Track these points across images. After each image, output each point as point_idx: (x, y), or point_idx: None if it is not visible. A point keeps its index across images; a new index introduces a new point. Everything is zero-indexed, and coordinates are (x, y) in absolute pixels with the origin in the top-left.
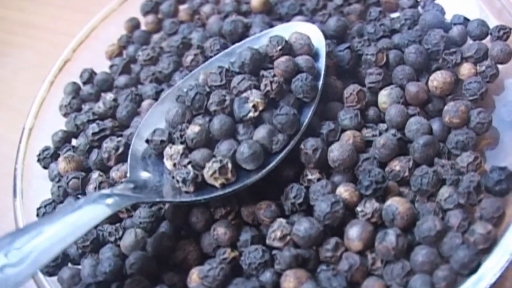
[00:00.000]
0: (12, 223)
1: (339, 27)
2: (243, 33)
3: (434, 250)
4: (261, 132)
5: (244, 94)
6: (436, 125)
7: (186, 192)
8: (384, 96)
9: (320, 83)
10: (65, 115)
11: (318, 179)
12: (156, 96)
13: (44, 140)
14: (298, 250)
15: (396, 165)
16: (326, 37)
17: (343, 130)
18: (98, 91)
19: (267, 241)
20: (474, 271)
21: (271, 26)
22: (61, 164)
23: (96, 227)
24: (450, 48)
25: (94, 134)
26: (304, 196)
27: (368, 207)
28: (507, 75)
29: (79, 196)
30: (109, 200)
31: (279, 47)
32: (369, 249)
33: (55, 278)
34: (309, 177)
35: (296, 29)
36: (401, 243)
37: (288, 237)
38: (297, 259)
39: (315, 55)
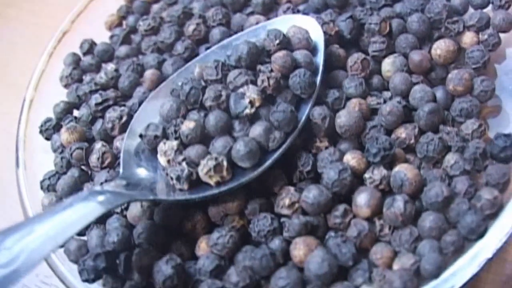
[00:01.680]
0: (14, 196)
1: None
2: (245, 2)
3: (442, 216)
4: (257, 129)
5: (241, 90)
6: (439, 93)
7: (180, 190)
8: (388, 65)
9: (318, 78)
10: (65, 86)
11: (326, 147)
12: (158, 66)
13: (45, 111)
14: (307, 217)
15: (402, 133)
16: (328, 6)
17: (347, 98)
18: (98, 61)
19: (276, 209)
20: (481, 236)
21: None
22: (64, 135)
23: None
24: (452, 16)
25: (97, 104)
26: (312, 164)
27: (376, 174)
28: (508, 44)
29: (83, 166)
30: (101, 198)
31: (277, 41)
32: (377, 216)
33: (61, 250)
34: (318, 144)
35: (295, 22)
36: (409, 209)
37: (297, 205)
38: (306, 226)
39: (313, 50)
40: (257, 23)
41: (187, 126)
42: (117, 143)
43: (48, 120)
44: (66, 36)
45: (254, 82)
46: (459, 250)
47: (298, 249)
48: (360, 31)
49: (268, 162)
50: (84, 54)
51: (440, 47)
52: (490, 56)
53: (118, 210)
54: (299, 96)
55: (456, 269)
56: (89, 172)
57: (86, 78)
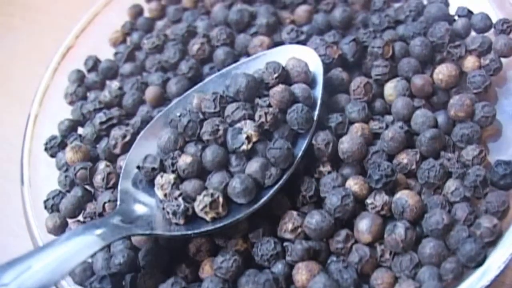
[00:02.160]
0: (17, 207)
1: (345, 18)
2: (249, 22)
3: (442, 243)
4: (253, 166)
5: (238, 125)
6: (441, 118)
7: (176, 224)
8: (391, 89)
9: (316, 113)
10: (70, 103)
11: (329, 172)
12: (162, 85)
13: (49, 127)
14: (309, 242)
15: (404, 158)
16: (331, 27)
17: (350, 123)
18: (103, 79)
19: (279, 233)
20: (480, 263)
21: (276, 14)
22: (68, 154)
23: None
24: (455, 40)
25: (101, 123)
26: (315, 189)
27: (378, 200)
28: (509, 67)
29: (87, 186)
30: (98, 231)
31: (276, 75)
32: (378, 241)
33: None
34: (321, 169)
35: (294, 53)
36: (410, 236)
37: (300, 229)
38: (308, 251)
39: (312, 82)
40: (261, 44)
41: (184, 161)
42: (120, 162)
43: (53, 138)
44: (70, 52)
45: (251, 117)
46: (458, 277)
47: (301, 274)
48: (363, 54)
49: (264, 199)
50: (89, 71)
51: (442, 72)
52: (491, 81)
53: None
54: (296, 131)
55: None
56: (92, 191)
57: (91, 95)
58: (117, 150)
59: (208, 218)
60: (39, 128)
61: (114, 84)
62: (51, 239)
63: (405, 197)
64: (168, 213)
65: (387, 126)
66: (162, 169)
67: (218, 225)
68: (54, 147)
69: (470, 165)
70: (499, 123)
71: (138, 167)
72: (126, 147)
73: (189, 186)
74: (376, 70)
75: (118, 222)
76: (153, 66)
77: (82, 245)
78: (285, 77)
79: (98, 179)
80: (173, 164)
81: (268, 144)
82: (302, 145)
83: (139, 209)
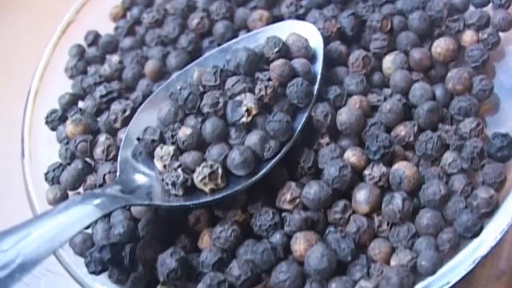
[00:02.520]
0: (19, 186)
1: None
2: None
3: (439, 214)
4: (253, 138)
5: (238, 98)
6: (439, 91)
7: (175, 195)
8: (389, 62)
9: (316, 87)
10: (70, 77)
11: (327, 144)
12: (162, 59)
13: (49, 102)
14: (308, 212)
15: (402, 130)
16: (330, 1)
17: (349, 95)
18: (103, 53)
19: (277, 204)
20: (477, 234)
21: None
22: (69, 128)
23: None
24: (453, 15)
25: (102, 96)
26: (313, 160)
27: (376, 171)
28: (508, 42)
29: (87, 159)
30: (97, 201)
31: (276, 49)
32: (376, 212)
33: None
34: (320, 140)
35: (295, 29)
36: (407, 207)
37: (298, 200)
38: (306, 221)
39: (312, 57)
40: (260, 18)
41: (184, 132)
42: (121, 135)
43: (54, 111)
44: (70, 27)
45: (251, 90)
46: (455, 247)
47: (299, 243)
48: (362, 27)
49: (263, 171)
50: (89, 45)
51: (441, 46)
52: (489, 55)
53: None
54: (296, 105)
55: (452, 265)
56: (93, 164)
57: (91, 69)
58: (117, 125)
59: (207, 189)
60: (40, 103)
61: (114, 58)
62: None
63: (402, 168)
64: (167, 184)
65: (385, 99)
66: (162, 141)
67: (216, 197)
68: (55, 121)
69: (467, 138)
70: (497, 97)
71: (138, 139)
72: (126, 122)
73: (188, 157)
74: (375, 44)
75: (117, 192)
76: (153, 41)
77: (81, 214)
78: (285, 52)
79: (98, 151)
80: (173, 136)
81: (268, 117)
82: (302, 119)
83: (139, 179)
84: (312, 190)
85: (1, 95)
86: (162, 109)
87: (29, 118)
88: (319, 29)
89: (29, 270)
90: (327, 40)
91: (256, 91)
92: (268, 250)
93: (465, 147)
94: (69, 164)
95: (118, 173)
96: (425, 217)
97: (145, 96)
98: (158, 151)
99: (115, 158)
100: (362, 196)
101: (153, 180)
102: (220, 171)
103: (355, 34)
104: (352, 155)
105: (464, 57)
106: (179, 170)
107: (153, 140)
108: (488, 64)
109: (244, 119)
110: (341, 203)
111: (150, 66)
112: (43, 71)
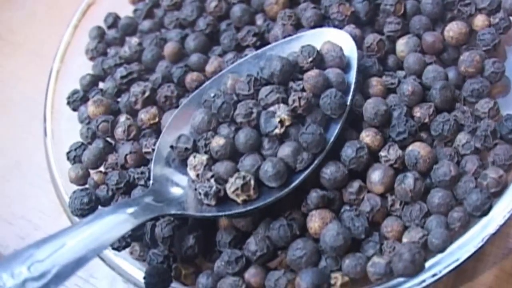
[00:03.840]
0: (41, 163)
1: None
2: None
3: (450, 193)
4: (286, 150)
5: (271, 108)
6: (451, 74)
7: (208, 205)
8: (402, 45)
9: (349, 98)
10: (91, 59)
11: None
12: (181, 41)
13: (71, 82)
14: (324, 191)
15: (417, 112)
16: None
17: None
18: (122, 35)
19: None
20: (486, 213)
21: None
22: (90, 108)
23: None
24: None
25: (122, 77)
26: None
27: (392, 153)
28: None
29: (108, 138)
30: (130, 210)
31: (310, 59)
32: (390, 192)
33: None
34: None
35: (328, 37)
36: (419, 186)
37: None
38: (323, 199)
39: (346, 66)
40: (276, 2)
41: (217, 142)
42: (141, 115)
43: (75, 92)
44: (90, 9)
45: (285, 100)
46: (465, 226)
47: (314, 221)
48: (376, 11)
49: (295, 183)
50: (109, 27)
51: (453, 29)
52: (500, 39)
53: (142, 182)
54: (329, 116)
55: (462, 243)
56: (113, 143)
57: (111, 51)
58: (138, 106)
59: (239, 200)
60: (61, 83)
61: (134, 40)
62: (73, 188)
63: (417, 149)
64: (200, 194)
65: (399, 82)
66: (195, 149)
67: (249, 208)
68: (77, 101)
69: (485, 117)
70: (508, 80)
71: (172, 147)
72: (147, 103)
73: (221, 167)
74: (388, 27)
75: (150, 201)
76: (171, 23)
77: (115, 223)
78: (319, 61)
79: (119, 131)
80: (206, 145)
81: (301, 128)
82: (334, 130)
83: (171, 189)
84: (329, 170)
85: (23, 72)
86: (195, 116)
87: (51, 98)
88: (333, 13)
89: (64, 280)
90: (341, 24)
91: (290, 101)
92: (285, 226)
93: (479, 127)
94: (90, 143)
95: (151, 183)
96: (437, 197)
97: (164, 78)
98: (191, 160)
99: (135, 138)
100: (377, 176)
101: (186, 189)
102: (252, 182)
103: (368, 19)
104: (365, 136)
105: (476, 41)
106: (212, 180)
107: (186, 149)
108: (499, 48)
109: (277, 130)
110: (356, 184)
111: (169, 48)
112: (64, 52)
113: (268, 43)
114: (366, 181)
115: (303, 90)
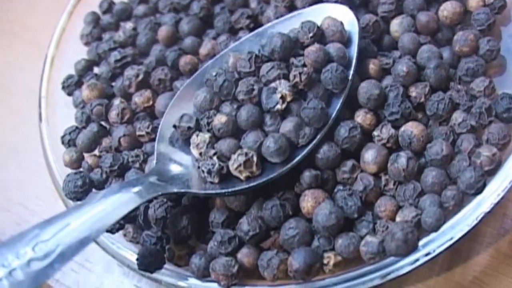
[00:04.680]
0: (38, 150)
1: None
2: None
3: (443, 172)
4: (288, 126)
5: (273, 84)
6: (446, 54)
7: (211, 183)
8: (396, 25)
9: (351, 72)
10: (86, 44)
11: None
12: (175, 25)
13: (66, 68)
14: (318, 171)
15: (413, 91)
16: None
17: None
18: (117, 20)
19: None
20: (479, 191)
21: None
22: (85, 92)
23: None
24: None
25: (116, 61)
26: None
27: (385, 132)
28: None
29: (102, 122)
30: (135, 189)
31: (311, 34)
32: (383, 172)
33: None
34: None
35: (329, 12)
36: (412, 165)
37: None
38: (316, 179)
39: (347, 41)
40: None
41: (219, 120)
42: (135, 98)
43: (70, 76)
44: None
45: (286, 76)
46: (459, 204)
47: (307, 201)
48: None
49: (297, 158)
50: (104, 13)
51: (447, 9)
52: (495, 19)
53: (137, 165)
54: (330, 90)
55: (455, 222)
56: (108, 127)
57: (106, 36)
58: (131, 89)
59: (242, 177)
60: (56, 69)
61: (128, 25)
62: (67, 172)
63: (409, 128)
64: (203, 172)
65: (394, 62)
66: (198, 128)
67: (252, 184)
68: (71, 86)
69: (480, 96)
70: (504, 59)
71: (175, 126)
72: (140, 86)
73: (224, 145)
74: (382, 7)
75: (155, 180)
76: (165, 7)
77: (120, 203)
78: (320, 36)
79: (113, 114)
80: (208, 124)
81: (303, 103)
82: (336, 104)
83: (175, 168)
84: (322, 149)
85: (20, 61)
86: (198, 96)
87: (46, 84)
88: None
89: (68, 260)
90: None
91: (291, 77)
92: (277, 206)
93: (474, 105)
94: (84, 127)
95: (155, 162)
96: (430, 176)
97: (158, 61)
98: (194, 139)
99: (129, 121)
100: (370, 156)
101: (189, 168)
102: (255, 159)
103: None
104: (356, 116)
105: (471, 21)
106: (215, 158)
107: (189, 127)
108: (494, 28)
109: (278, 106)
110: (350, 163)
111: (163, 32)
112: (59, 38)
113: (262, 25)
114: (360, 161)
115: (304, 65)
